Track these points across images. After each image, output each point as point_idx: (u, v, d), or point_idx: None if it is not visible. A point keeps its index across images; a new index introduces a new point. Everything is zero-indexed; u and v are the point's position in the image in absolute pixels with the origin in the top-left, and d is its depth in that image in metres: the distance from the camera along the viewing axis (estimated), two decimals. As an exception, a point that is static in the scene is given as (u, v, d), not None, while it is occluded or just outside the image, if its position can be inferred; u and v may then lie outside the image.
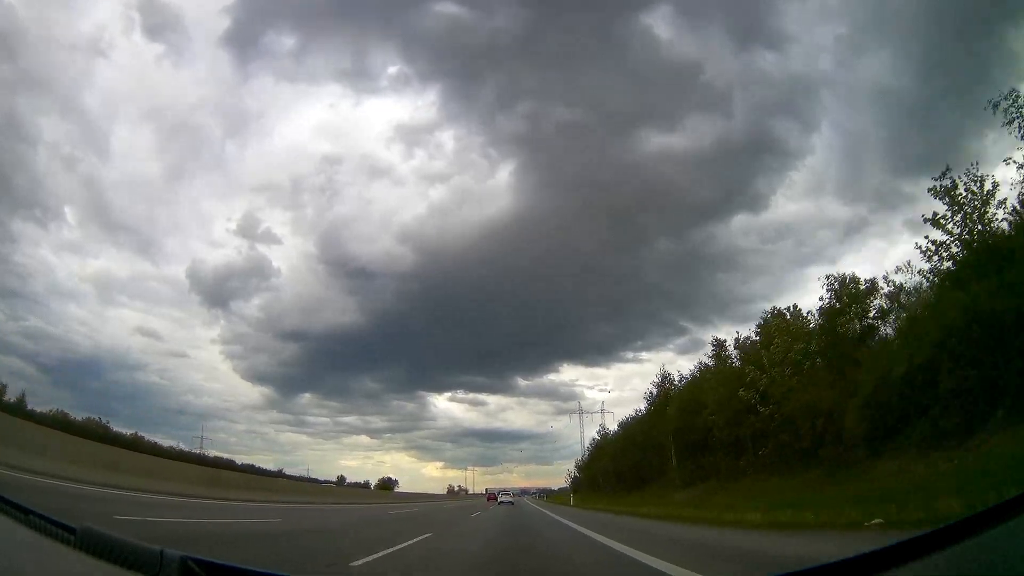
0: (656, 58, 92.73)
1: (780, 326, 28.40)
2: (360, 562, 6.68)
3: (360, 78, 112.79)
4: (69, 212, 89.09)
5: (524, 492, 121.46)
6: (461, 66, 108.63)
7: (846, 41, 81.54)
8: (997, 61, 40.54)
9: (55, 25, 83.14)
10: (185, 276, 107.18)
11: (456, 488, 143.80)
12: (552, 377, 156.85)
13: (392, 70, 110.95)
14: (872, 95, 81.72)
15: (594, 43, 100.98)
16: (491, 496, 78.80)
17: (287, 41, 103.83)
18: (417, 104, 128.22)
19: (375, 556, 7.29)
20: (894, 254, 76.75)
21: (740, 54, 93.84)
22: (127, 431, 52.02)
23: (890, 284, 23.99)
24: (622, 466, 49.02)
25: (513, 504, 48.43)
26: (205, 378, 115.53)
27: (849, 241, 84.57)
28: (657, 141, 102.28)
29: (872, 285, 25.23)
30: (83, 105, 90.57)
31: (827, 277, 26.34)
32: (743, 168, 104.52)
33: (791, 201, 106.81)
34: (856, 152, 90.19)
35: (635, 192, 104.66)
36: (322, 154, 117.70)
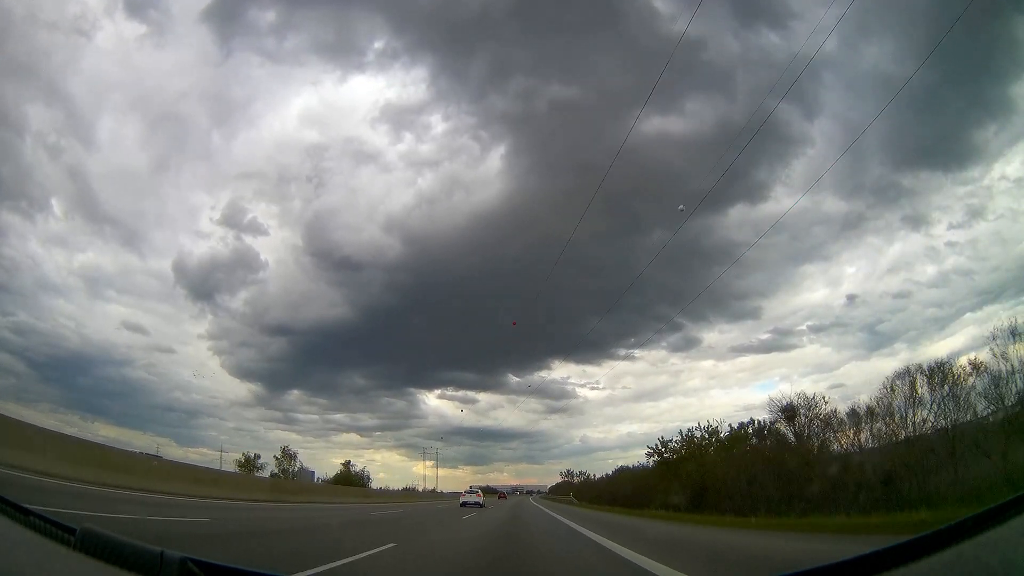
0: (655, 33, 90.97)
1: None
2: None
3: (346, 53, 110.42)
4: (55, 204, 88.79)
5: (515, 490, 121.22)
6: (451, 39, 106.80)
7: (848, 22, 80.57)
8: (1000, 49, 40.00)
9: (37, 5, 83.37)
10: (171, 269, 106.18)
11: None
12: (543, 374, 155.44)
13: (379, 44, 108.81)
14: (872, 82, 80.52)
15: (591, 15, 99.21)
16: (501, 495, 72.15)
17: (269, 16, 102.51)
18: (405, 81, 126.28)
19: None
20: (891, 251, 75.66)
21: (741, 31, 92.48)
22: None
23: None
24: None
25: (483, 506, 33.53)
26: (194, 374, 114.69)
27: (845, 237, 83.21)
28: (655, 123, 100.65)
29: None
30: (67, 91, 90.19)
31: None
32: (743, 156, 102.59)
33: (789, 194, 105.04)
34: (855, 143, 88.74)
35: (631, 178, 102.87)
36: (307, 138, 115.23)
